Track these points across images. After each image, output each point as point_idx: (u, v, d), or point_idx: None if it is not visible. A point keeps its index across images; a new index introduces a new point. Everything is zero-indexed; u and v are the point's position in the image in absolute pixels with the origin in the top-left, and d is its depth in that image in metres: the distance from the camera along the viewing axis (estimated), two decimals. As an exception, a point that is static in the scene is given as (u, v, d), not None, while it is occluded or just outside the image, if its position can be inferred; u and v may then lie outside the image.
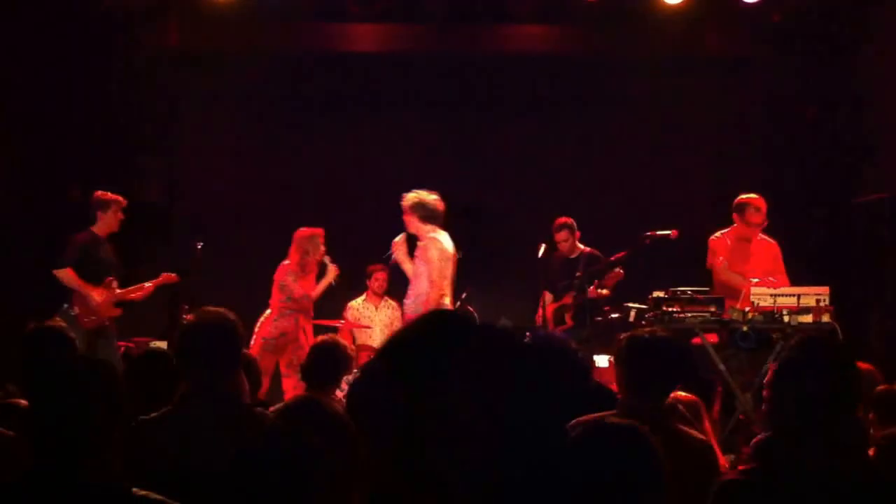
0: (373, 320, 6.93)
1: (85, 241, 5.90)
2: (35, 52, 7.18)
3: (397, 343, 1.06)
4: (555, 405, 1.03)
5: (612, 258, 6.32)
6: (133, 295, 6.09)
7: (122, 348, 6.21)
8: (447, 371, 1.03)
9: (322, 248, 6.01)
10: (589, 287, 6.30)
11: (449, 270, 5.56)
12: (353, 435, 2.05)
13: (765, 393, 2.01)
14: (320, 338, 3.53)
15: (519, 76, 7.99)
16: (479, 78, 7.95)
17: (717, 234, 5.82)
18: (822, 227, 7.09)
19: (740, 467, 2.09)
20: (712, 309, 5.33)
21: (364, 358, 5.74)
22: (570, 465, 1.63)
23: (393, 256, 5.80)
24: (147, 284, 6.13)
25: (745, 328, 5.34)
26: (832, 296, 5.23)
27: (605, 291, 6.26)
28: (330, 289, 6.53)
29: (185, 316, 5.63)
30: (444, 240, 5.62)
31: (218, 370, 2.66)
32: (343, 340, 3.59)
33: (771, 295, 5.24)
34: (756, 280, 5.45)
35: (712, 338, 5.40)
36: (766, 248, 5.78)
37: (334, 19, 7.92)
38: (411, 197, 5.60)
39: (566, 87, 7.89)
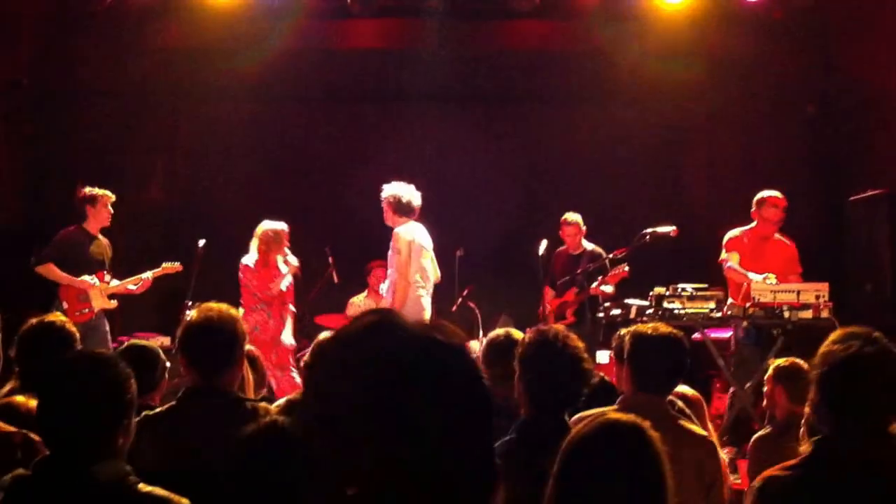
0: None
1: (70, 236, 5.88)
2: (37, 51, 7.19)
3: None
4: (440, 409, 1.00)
5: (613, 255, 6.33)
6: (133, 286, 6.06)
7: (125, 344, 6.20)
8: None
9: (285, 244, 6.02)
10: (593, 284, 6.30)
11: (419, 260, 5.64)
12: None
13: (766, 389, 2.00)
14: (323, 335, 3.52)
15: (520, 72, 7.99)
16: (480, 74, 7.95)
17: (735, 230, 5.82)
18: (820, 223, 7.09)
19: (784, 464, 2.05)
20: (712, 305, 5.35)
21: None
22: (574, 459, 1.65)
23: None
24: (146, 275, 6.10)
25: (745, 324, 5.35)
26: (831, 292, 5.25)
27: (609, 290, 6.27)
28: (333, 286, 6.55)
29: (187, 313, 5.64)
30: (415, 231, 5.71)
31: (220, 367, 2.67)
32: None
33: (771, 291, 5.26)
34: (759, 277, 5.46)
35: (724, 334, 5.41)
36: (782, 248, 5.78)
37: (335, 16, 7.92)
38: (388, 189, 5.73)
39: (567, 84, 7.89)
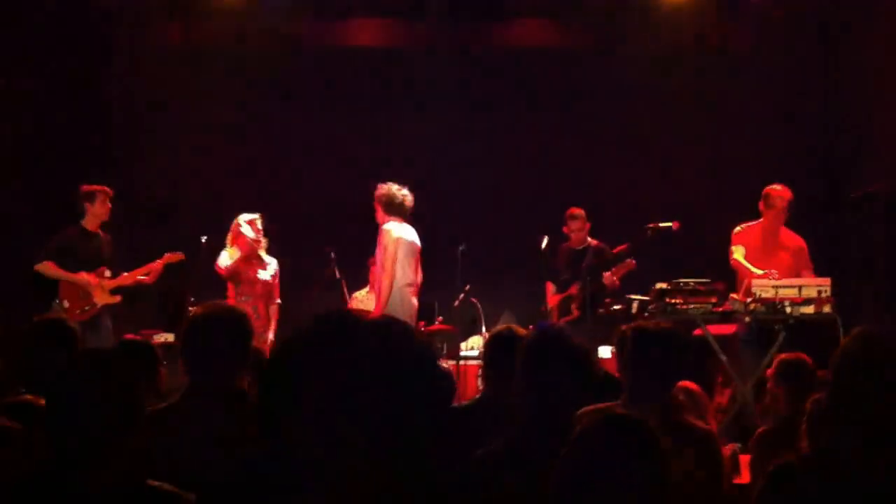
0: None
1: (68, 234, 5.87)
2: (38, 48, 7.19)
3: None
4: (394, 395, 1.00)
5: (615, 250, 6.35)
6: (140, 278, 6.06)
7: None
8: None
9: (259, 230, 6.03)
10: (603, 276, 6.30)
11: (405, 258, 5.69)
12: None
13: (769, 384, 2.02)
14: None
15: (520, 70, 7.99)
16: (481, 72, 7.95)
17: (743, 225, 5.82)
18: (821, 219, 7.10)
19: (800, 453, 2.07)
20: (714, 300, 5.36)
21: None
22: (577, 454, 1.66)
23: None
24: (152, 266, 6.09)
25: (746, 319, 5.36)
26: (832, 287, 5.25)
27: (615, 281, 6.27)
28: (335, 283, 6.56)
29: (190, 309, 5.64)
30: (401, 229, 5.75)
31: (224, 363, 2.67)
32: None
33: (773, 286, 5.26)
34: (761, 272, 5.47)
35: (726, 329, 5.42)
36: (792, 242, 5.79)
37: (336, 15, 7.92)
38: (381, 188, 5.79)
39: (568, 81, 7.89)
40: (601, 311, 6.09)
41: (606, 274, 6.28)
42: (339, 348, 1.00)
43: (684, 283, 5.39)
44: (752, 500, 2.02)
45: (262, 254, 6.12)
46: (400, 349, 1.01)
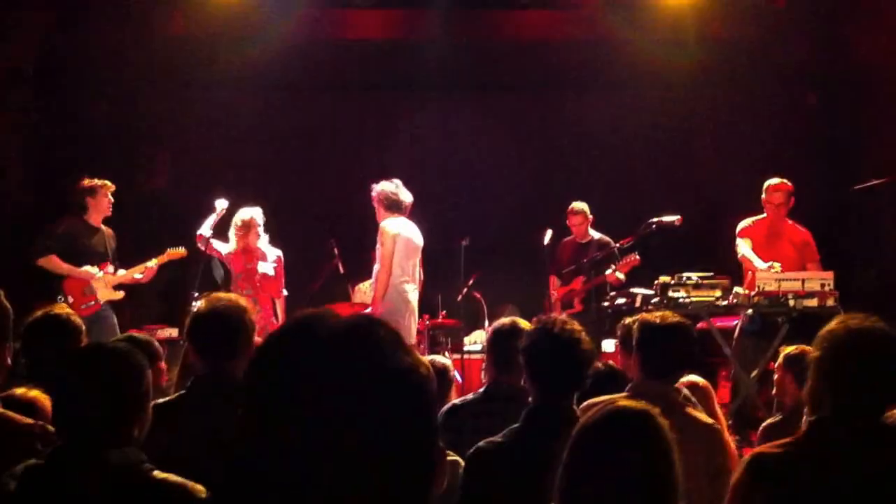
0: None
1: (69, 228, 5.85)
2: (41, 42, 7.18)
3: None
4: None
5: (619, 244, 6.34)
6: (139, 275, 6.06)
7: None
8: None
9: (257, 226, 6.04)
10: (606, 272, 6.30)
11: (402, 253, 5.68)
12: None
13: (776, 376, 2.03)
14: None
15: (524, 61, 7.96)
16: (485, 63, 7.93)
17: (747, 220, 5.82)
18: (824, 212, 7.08)
19: (777, 442, 2.08)
20: (717, 294, 5.35)
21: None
22: (584, 446, 1.65)
23: None
24: (151, 263, 6.09)
25: (749, 312, 5.36)
26: (836, 280, 5.25)
27: (621, 277, 6.27)
28: (338, 275, 6.55)
29: (194, 303, 5.64)
30: (400, 226, 5.75)
31: (227, 356, 2.68)
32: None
33: (776, 279, 5.26)
34: (764, 266, 5.46)
35: (730, 322, 5.41)
36: (796, 235, 5.79)
37: (340, 6, 7.90)
38: (377, 187, 5.81)
39: (571, 73, 7.87)
40: (605, 304, 6.09)
41: (610, 273, 6.27)
42: (302, 356, 1.00)
43: (687, 276, 5.39)
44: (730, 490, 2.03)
45: (263, 246, 6.10)
46: (366, 355, 1.00)
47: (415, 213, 6.05)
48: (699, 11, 7.64)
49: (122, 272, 6.00)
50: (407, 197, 5.80)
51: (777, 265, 5.45)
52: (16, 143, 6.96)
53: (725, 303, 5.35)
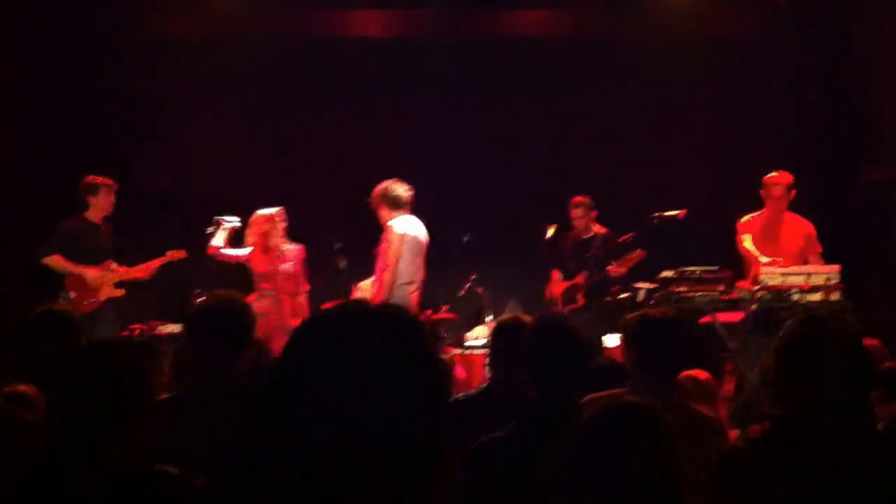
0: (381, 301, 6.93)
1: (72, 226, 5.87)
2: (41, 39, 7.18)
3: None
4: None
5: (621, 239, 6.31)
6: (138, 273, 6.06)
7: (137, 331, 6.22)
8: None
9: (281, 225, 6.02)
10: (609, 266, 6.27)
11: (408, 254, 5.65)
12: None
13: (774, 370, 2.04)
14: None
15: (524, 59, 7.94)
16: (485, 62, 7.91)
17: (748, 215, 5.81)
18: (829, 206, 7.06)
19: (745, 437, 2.09)
20: (721, 288, 5.32)
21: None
22: (587, 441, 1.65)
23: None
24: (152, 263, 6.11)
25: (753, 307, 5.33)
26: (841, 274, 5.22)
27: (623, 270, 6.24)
28: (340, 273, 6.54)
29: (196, 299, 5.64)
30: (409, 225, 5.72)
31: (228, 352, 2.68)
32: None
33: (781, 274, 5.23)
34: (767, 260, 5.44)
35: (733, 317, 5.39)
36: (798, 227, 5.76)
37: (339, 5, 7.88)
38: (377, 190, 5.77)
39: (572, 70, 7.85)
40: (607, 299, 6.07)
41: (612, 266, 6.25)
42: (337, 343, 1.00)
43: (690, 271, 5.37)
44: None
45: (284, 245, 6.08)
46: (401, 342, 1.00)
47: (417, 209, 6.04)
48: (700, 5, 7.61)
49: (122, 270, 6.01)
50: (406, 191, 5.77)
51: (780, 260, 5.43)
52: (17, 142, 6.95)
53: (729, 297, 5.32)
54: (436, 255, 6.21)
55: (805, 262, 5.54)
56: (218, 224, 6.05)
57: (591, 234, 6.62)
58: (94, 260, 5.89)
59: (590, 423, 1.68)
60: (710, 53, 7.62)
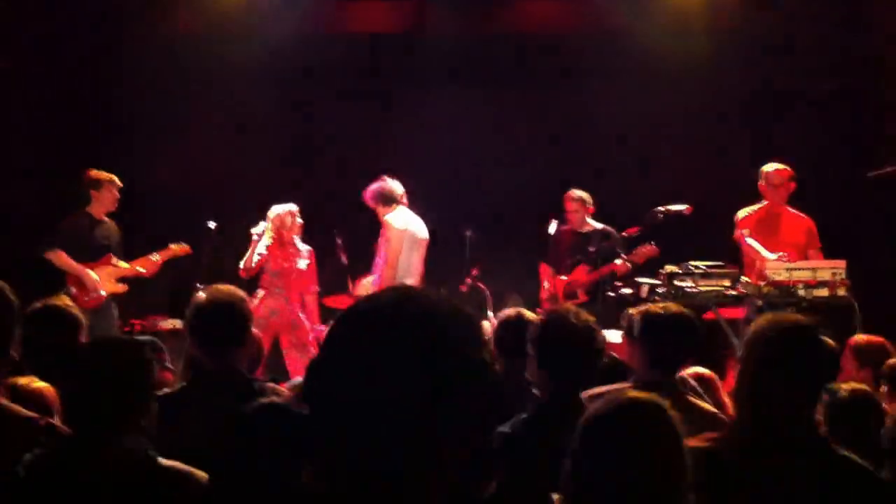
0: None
1: (75, 221, 5.86)
2: (46, 36, 7.17)
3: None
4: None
5: (627, 233, 6.26)
6: (140, 269, 6.05)
7: (138, 326, 6.22)
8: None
9: (298, 222, 6.02)
10: (615, 261, 6.22)
11: (408, 249, 5.65)
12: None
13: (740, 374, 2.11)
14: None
15: (531, 53, 7.90)
16: (491, 55, 7.88)
17: (746, 209, 5.77)
18: (838, 200, 7.01)
19: (707, 435, 2.11)
20: (726, 283, 5.29)
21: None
22: (592, 437, 1.63)
23: None
24: (154, 257, 6.10)
25: (759, 303, 5.30)
26: (848, 269, 5.18)
27: (629, 267, 6.18)
28: (342, 268, 6.53)
29: (197, 295, 5.61)
30: (406, 220, 5.70)
31: (227, 347, 2.68)
32: None
33: (786, 269, 5.19)
34: (773, 256, 5.40)
35: (736, 313, 5.36)
36: (798, 222, 5.72)
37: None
38: (369, 190, 5.79)
39: (579, 64, 7.79)
40: (611, 294, 6.03)
41: (619, 262, 6.20)
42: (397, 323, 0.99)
43: (695, 266, 5.33)
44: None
45: (298, 242, 6.08)
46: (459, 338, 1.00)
47: (421, 204, 6.02)
48: (707, 1, 7.57)
49: (124, 265, 6.00)
50: (398, 187, 5.76)
51: (785, 255, 5.39)
52: (21, 138, 6.95)
53: (734, 293, 5.28)
54: (438, 249, 6.19)
55: (806, 257, 5.50)
56: (251, 242, 5.98)
57: (589, 229, 6.56)
58: (97, 255, 5.89)
59: (595, 419, 1.66)
60: (720, 47, 7.56)
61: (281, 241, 5.98)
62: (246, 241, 6.08)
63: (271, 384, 2.73)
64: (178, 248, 6.15)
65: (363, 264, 6.87)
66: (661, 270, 5.43)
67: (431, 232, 5.96)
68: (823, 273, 5.15)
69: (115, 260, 5.95)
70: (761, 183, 5.69)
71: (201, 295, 2.80)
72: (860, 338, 3.84)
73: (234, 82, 7.66)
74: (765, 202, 5.72)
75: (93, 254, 5.87)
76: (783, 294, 5.16)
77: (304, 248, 6.13)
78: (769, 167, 5.70)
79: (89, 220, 5.92)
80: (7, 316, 2.35)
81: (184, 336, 5.77)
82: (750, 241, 5.61)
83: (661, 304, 2.94)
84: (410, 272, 5.70)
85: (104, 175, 5.96)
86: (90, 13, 7.39)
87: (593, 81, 7.70)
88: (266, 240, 5.96)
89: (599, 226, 6.57)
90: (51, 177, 6.87)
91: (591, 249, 6.39)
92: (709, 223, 6.22)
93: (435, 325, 0.99)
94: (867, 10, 7.26)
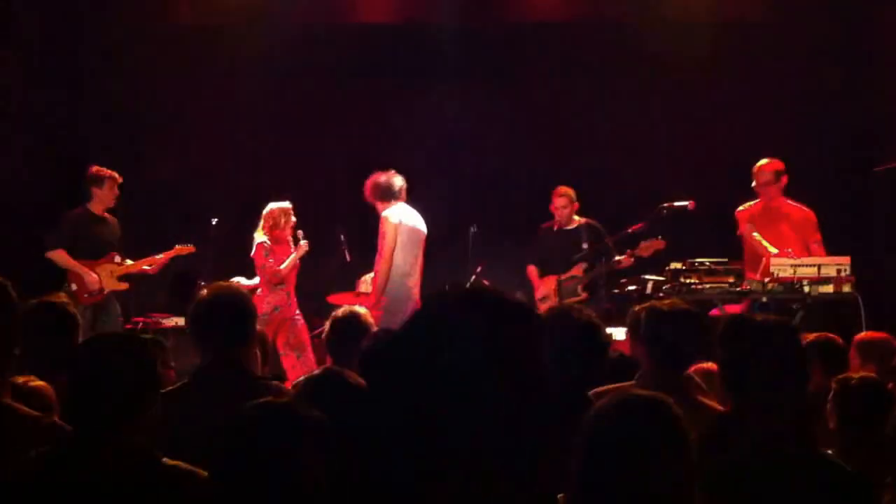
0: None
1: (76, 218, 5.87)
2: (47, 32, 7.16)
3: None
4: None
5: (630, 229, 6.22)
6: (144, 268, 6.05)
7: (140, 324, 6.22)
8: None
9: (292, 220, 6.00)
10: (618, 256, 6.18)
11: (404, 244, 5.60)
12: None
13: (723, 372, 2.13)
14: (340, 310, 3.47)
15: (535, 45, 7.87)
16: (495, 47, 7.85)
17: (744, 205, 5.76)
18: (844, 194, 6.98)
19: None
20: (731, 280, 5.27)
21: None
22: (598, 435, 1.62)
23: None
24: (159, 256, 6.10)
25: (764, 299, 5.28)
26: (853, 265, 5.15)
27: (632, 260, 6.14)
28: (344, 265, 6.51)
29: (199, 292, 5.60)
30: (403, 214, 5.66)
31: (230, 344, 2.67)
32: (362, 310, 3.50)
33: (791, 265, 5.17)
34: (776, 251, 5.38)
35: (737, 309, 5.34)
36: (795, 215, 5.69)
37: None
38: (369, 183, 5.73)
39: (583, 56, 7.76)
40: (615, 291, 6.00)
41: (623, 257, 6.16)
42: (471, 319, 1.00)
43: (700, 262, 5.31)
44: None
45: (296, 239, 6.07)
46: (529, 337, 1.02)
47: (424, 200, 5.99)
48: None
49: (129, 262, 6.00)
50: (399, 181, 5.70)
51: (789, 250, 5.37)
52: (22, 133, 6.94)
53: (739, 289, 5.26)
54: (443, 246, 6.17)
55: (806, 249, 5.48)
56: (258, 245, 5.94)
57: (575, 224, 6.51)
58: (99, 252, 5.89)
59: (601, 416, 1.65)
60: (725, 39, 7.52)
61: (277, 239, 5.96)
62: (247, 236, 6.07)
63: (276, 382, 2.72)
64: (182, 248, 6.16)
65: (367, 261, 6.87)
66: (666, 267, 5.42)
67: (436, 228, 5.93)
68: (828, 269, 5.14)
69: (118, 258, 5.95)
70: (753, 179, 5.68)
71: (204, 292, 2.79)
72: (864, 334, 3.83)
73: (237, 75, 7.65)
74: (759, 196, 5.71)
75: (93, 250, 5.87)
76: (788, 291, 5.14)
77: (303, 243, 6.08)
78: (759, 163, 5.68)
79: (90, 217, 5.92)
80: (9, 314, 2.33)
81: (186, 333, 5.80)
82: (756, 235, 5.59)
83: (666, 301, 2.92)
84: (408, 267, 5.65)
85: (106, 171, 5.96)
86: (92, 4, 7.38)
87: (601, 74, 7.68)
88: (261, 239, 5.96)
89: (585, 221, 6.52)
90: (52, 175, 6.87)
91: (585, 245, 6.33)
92: (714, 218, 6.21)
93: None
94: (873, 3, 7.22)
